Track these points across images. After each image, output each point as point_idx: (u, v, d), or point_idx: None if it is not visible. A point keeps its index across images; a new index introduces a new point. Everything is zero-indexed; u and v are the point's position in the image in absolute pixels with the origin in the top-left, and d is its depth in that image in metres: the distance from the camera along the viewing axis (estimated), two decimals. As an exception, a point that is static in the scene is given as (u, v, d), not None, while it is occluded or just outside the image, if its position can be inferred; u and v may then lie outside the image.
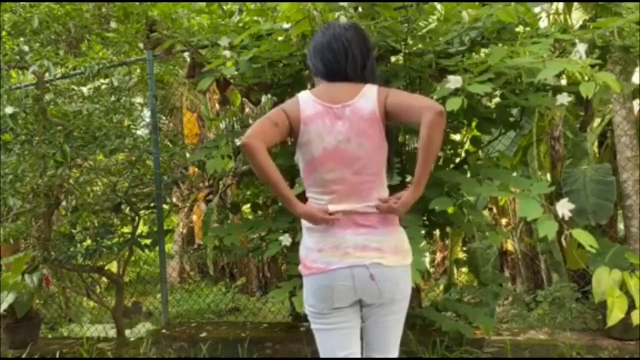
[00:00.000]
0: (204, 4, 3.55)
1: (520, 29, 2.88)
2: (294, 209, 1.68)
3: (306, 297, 1.77)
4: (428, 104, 1.59)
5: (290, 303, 3.56)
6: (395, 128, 1.82)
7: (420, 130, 1.57)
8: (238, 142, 3.83)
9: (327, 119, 1.68)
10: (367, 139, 1.67)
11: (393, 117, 1.69)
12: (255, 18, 3.31)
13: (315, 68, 1.80)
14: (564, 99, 2.53)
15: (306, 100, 1.72)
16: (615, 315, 2.81)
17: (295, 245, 2.66)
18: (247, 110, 5.38)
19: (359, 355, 1.77)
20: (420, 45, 2.98)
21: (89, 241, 3.76)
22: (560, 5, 4.17)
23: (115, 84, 3.79)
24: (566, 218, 2.07)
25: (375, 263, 1.67)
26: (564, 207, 2.07)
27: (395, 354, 1.80)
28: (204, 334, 3.58)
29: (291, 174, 2.93)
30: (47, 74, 3.37)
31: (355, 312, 1.75)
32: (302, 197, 1.76)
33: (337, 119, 1.68)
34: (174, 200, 5.45)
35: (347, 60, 1.73)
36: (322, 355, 1.78)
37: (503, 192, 2.69)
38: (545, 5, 3.02)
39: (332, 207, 1.68)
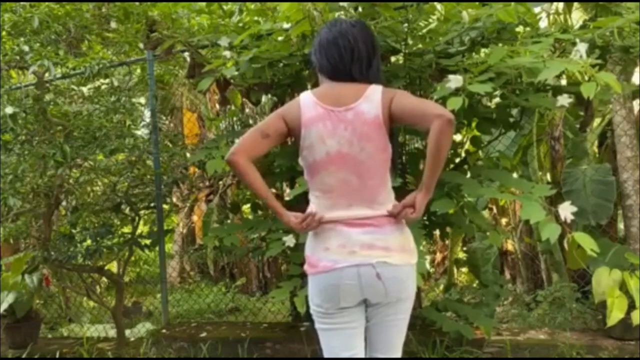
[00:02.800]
0: (204, 4, 3.55)
1: (520, 29, 2.88)
2: (280, 218, 1.74)
3: (311, 297, 1.75)
4: (438, 112, 1.55)
5: (291, 303, 3.57)
6: (397, 128, 1.80)
7: (429, 137, 1.56)
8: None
9: (328, 122, 1.66)
10: (371, 143, 1.65)
11: (398, 120, 1.66)
12: (255, 18, 3.30)
13: (319, 65, 1.78)
14: (564, 100, 2.52)
15: (307, 103, 1.70)
16: (615, 316, 2.81)
17: (297, 245, 2.66)
18: (247, 110, 5.39)
19: (362, 356, 1.77)
20: (420, 45, 2.98)
21: (89, 241, 3.76)
22: (560, 5, 4.17)
23: (116, 84, 3.78)
24: (568, 221, 2.07)
25: (381, 262, 1.66)
26: (566, 210, 2.07)
27: (399, 355, 1.80)
28: (204, 334, 3.58)
29: (291, 173, 2.93)
30: (47, 74, 3.37)
31: (360, 312, 1.74)
32: (304, 197, 1.76)
33: (340, 122, 1.66)
34: (174, 200, 5.45)
35: (352, 59, 1.71)
36: (325, 355, 1.77)
37: (505, 194, 2.69)
38: (545, 5, 3.02)
39: (330, 215, 1.69)
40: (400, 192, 1.76)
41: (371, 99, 1.66)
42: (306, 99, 1.72)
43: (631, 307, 2.82)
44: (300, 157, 1.75)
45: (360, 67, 1.72)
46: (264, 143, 1.69)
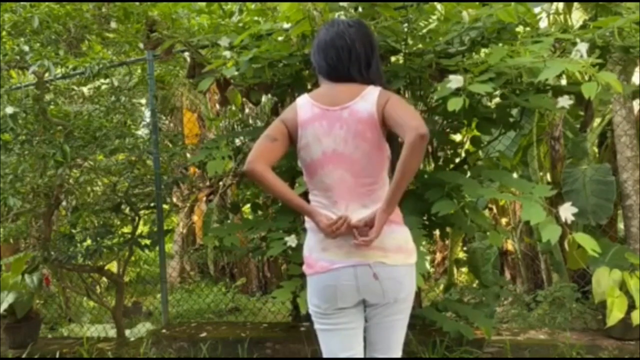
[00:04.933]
0: (204, 4, 3.55)
1: (520, 29, 2.88)
2: (312, 218, 1.67)
3: (310, 297, 1.76)
4: (413, 125, 1.52)
5: (291, 302, 3.57)
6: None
7: (402, 149, 1.53)
8: (238, 142, 3.84)
9: (324, 121, 1.67)
10: (365, 141, 1.65)
11: (386, 124, 1.65)
12: (255, 18, 3.30)
13: (318, 66, 1.79)
14: (565, 101, 2.51)
15: (304, 104, 1.72)
16: (615, 315, 2.81)
17: (298, 245, 2.65)
18: (247, 110, 5.39)
19: (361, 356, 1.77)
20: (420, 45, 2.98)
21: (89, 241, 3.76)
22: (560, 5, 4.17)
23: (116, 84, 3.78)
24: (569, 222, 2.07)
25: (378, 262, 1.66)
26: (566, 211, 2.07)
27: (398, 355, 1.80)
28: (204, 334, 3.58)
29: (291, 174, 2.92)
30: (47, 74, 3.37)
31: (359, 312, 1.75)
32: (304, 197, 1.76)
33: (336, 121, 1.66)
34: (174, 200, 5.45)
35: (350, 59, 1.71)
36: (324, 356, 1.77)
37: (505, 194, 2.69)
38: (545, 5, 3.02)
39: (328, 214, 1.67)
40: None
41: (367, 99, 1.66)
42: (302, 101, 1.74)
43: (631, 307, 2.82)
44: (298, 159, 1.76)
45: (359, 67, 1.72)
46: (274, 147, 1.68)
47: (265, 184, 1.65)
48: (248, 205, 4.36)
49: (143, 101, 4.42)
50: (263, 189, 1.64)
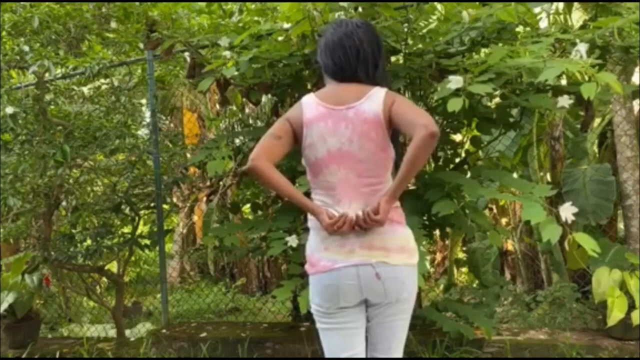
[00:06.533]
0: (204, 4, 3.55)
1: (520, 29, 2.88)
2: (316, 216, 1.68)
3: (312, 297, 1.76)
4: (424, 122, 1.54)
5: (291, 302, 3.57)
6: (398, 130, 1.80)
7: (409, 145, 1.54)
8: (238, 142, 3.84)
9: (329, 120, 1.68)
10: (370, 142, 1.66)
11: (394, 125, 1.66)
12: (255, 18, 3.31)
13: (324, 65, 1.79)
14: (565, 101, 2.52)
15: (309, 103, 1.72)
16: (615, 316, 2.81)
17: (298, 245, 2.65)
18: (247, 110, 5.39)
19: (363, 356, 1.77)
20: (420, 45, 2.98)
21: (89, 241, 3.76)
22: (560, 5, 4.17)
23: (116, 84, 3.78)
24: (569, 222, 2.07)
25: (381, 262, 1.66)
26: (567, 211, 2.07)
27: (400, 355, 1.80)
28: (204, 334, 3.58)
29: (292, 173, 2.92)
30: (47, 74, 3.37)
31: (360, 312, 1.75)
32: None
33: (341, 120, 1.67)
34: (175, 200, 5.45)
35: (358, 60, 1.71)
36: (326, 355, 1.78)
37: (505, 194, 2.68)
38: (545, 5, 3.02)
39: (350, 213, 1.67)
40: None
41: (373, 99, 1.67)
42: (308, 100, 1.74)
43: (631, 307, 2.83)
44: (302, 157, 1.76)
45: (366, 68, 1.72)
46: (278, 145, 1.69)
47: (268, 181, 1.66)
48: (248, 205, 4.36)
49: (143, 101, 4.42)
50: (265, 186, 1.64)
